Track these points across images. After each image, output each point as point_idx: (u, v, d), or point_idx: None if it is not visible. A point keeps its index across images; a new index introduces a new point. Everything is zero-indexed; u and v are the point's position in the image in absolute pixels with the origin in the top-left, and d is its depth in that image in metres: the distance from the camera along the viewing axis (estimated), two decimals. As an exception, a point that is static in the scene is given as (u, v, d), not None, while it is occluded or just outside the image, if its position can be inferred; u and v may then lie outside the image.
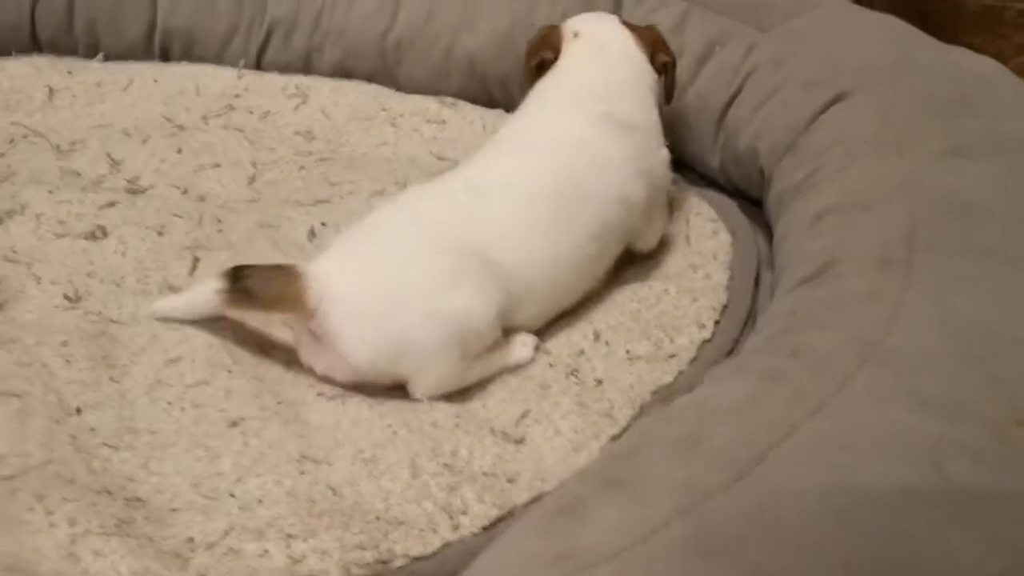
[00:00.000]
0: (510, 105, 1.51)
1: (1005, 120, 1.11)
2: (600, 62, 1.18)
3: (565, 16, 1.44)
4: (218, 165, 1.39)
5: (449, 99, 1.55)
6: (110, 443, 0.89)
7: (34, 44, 1.66)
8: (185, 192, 1.33)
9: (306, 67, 1.62)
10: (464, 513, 0.83)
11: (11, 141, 1.42)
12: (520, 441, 0.92)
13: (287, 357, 1.03)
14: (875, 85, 1.19)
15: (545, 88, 1.19)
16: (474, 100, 1.55)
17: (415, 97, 1.56)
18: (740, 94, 1.34)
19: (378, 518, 0.81)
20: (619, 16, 1.32)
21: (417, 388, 0.95)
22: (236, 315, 0.99)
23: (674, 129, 1.39)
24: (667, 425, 0.71)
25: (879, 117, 1.13)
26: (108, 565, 0.76)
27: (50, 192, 1.27)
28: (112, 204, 1.27)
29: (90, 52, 1.65)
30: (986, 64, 1.22)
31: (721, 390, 0.75)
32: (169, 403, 0.94)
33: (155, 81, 1.59)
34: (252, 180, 1.37)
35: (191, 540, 0.79)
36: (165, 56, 1.66)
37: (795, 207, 1.10)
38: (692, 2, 1.44)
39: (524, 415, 0.95)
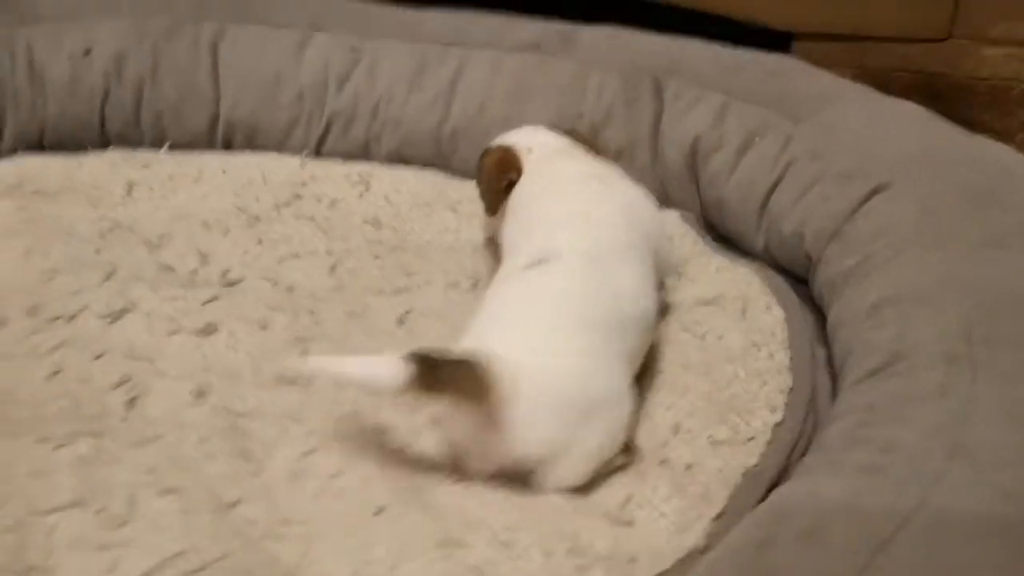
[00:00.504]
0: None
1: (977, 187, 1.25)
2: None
3: (610, 111, 1.59)
4: (297, 255, 1.50)
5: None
6: (271, 535, 0.99)
7: (103, 137, 1.76)
8: (275, 284, 1.43)
9: (365, 154, 1.74)
10: (597, 592, 0.94)
11: (102, 235, 1.51)
12: (630, 524, 1.03)
13: (402, 440, 1.14)
14: (910, 177, 1.32)
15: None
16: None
17: (471, 183, 1.67)
18: (781, 183, 1.47)
19: (523, 599, 0.92)
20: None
21: (562, 478, 1.04)
22: (410, 397, 1.02)
23: (719, 211, 1.53)
24: (786, 519, 0.83)
25: (918, 209, 1.27)
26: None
27: (153, 289, 1.38)
28: (214, 299, 1.37)
29: (156, 143, 1.76)
30: (1006, 153, 1.37)
31: (825, 484, 0.87)
32: (314, 495, 1.04)
33: (223, 172, 1.70)
34: (333, 269, 1.48)
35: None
36: (227, 145, 1.76)
37: (848, 295, 1.23)
38: (729, 95, 1.57)
39: (628, 500, 1.06)
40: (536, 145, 1.37)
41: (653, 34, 1.71)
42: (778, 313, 1.36)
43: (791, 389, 1.21)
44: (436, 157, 1.71)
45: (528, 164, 1.35)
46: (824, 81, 1.60)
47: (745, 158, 1.52)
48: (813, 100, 1.54)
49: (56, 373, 1.22)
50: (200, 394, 1.20)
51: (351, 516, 1.02)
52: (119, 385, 1.21)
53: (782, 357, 1.27)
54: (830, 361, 1.27)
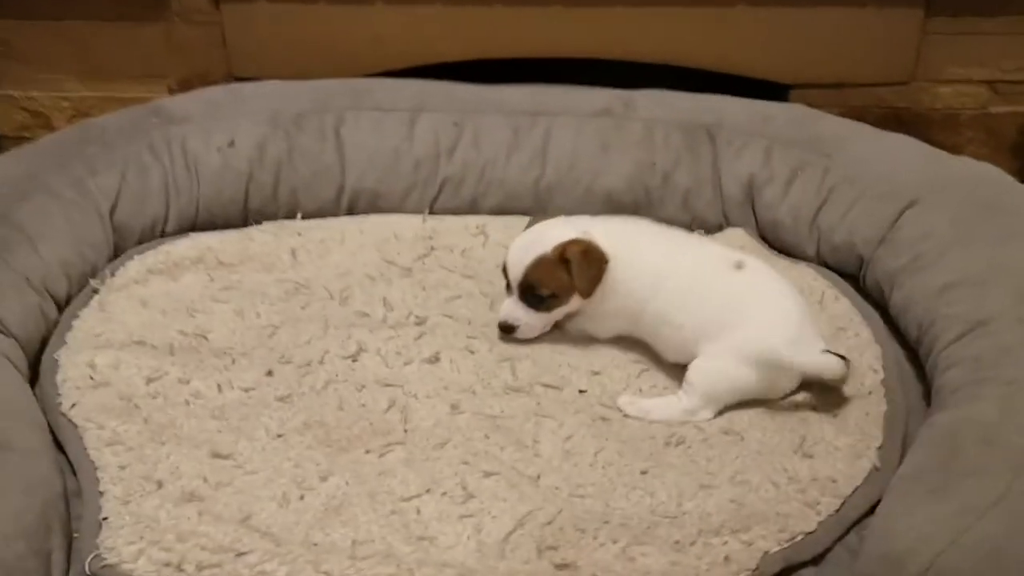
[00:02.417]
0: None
1: (1018, 207, 1.74)
2: None
3: (678, 158, 2.01)
4: (459, 296, 1.85)
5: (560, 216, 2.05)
6: (574, 494, 1.36)
7: (244, 212, 2.06)
8: (453, 318, 1.78)
9: (472, 209, 2.10)
10: (819, 503, 1.36)
11: (289, 295, 1.83)
12: (811, 457, 1.45)
13: (632, 423, 1.53)
14: (933, 195, 1.80)
15: None
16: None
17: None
18: (826, 205, 1.92)
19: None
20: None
21: None
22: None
23: (773, 229, 1.98)
24: (958, 436, 1.27)
25: (947, 219, 1.74)
26: None
27: (371, 332, 1.72)
28: (422, 335, 1.72)
29: (290, 215, 2.07)
30: (992, 170, 1.87)
31: (976, 411, 1.31)
32: (589, 465, 1.42)
33: (361, 232, 2.03)
34: (491, 306, 1.84)
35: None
36: (350, 210, 2.10)
37: (910, 284, 1.68)
38: (770, 140, 2.02)
39: (803, 440, 1.48)
40: (592, 231, 1.65)
41: (692, 94, 2.15)
42: (844, 301, 1.81)
43: (883, 354, 1.66)
44: (534, 207, 2.08)
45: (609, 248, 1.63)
46: (836, 123, 2.07)
47: (793, 187, 1.97)
48: (835, 139, 2.01)
49: (341, 406, 1.54)
50: (455, 406, 1.55)
51: (623, 476, 1.41)
52: (389, 408, 1.55)
53: (867, 334, 1.72)
54: (894, 333, 1.72)
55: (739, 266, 1.60)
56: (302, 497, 1.35)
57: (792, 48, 2.28)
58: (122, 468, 1.37)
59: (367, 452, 1.44)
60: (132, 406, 1.50)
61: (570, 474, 1.41)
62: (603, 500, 1.37)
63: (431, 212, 2.10)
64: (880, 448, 1.45)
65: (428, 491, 1.37)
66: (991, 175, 1.87)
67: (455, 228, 2.06)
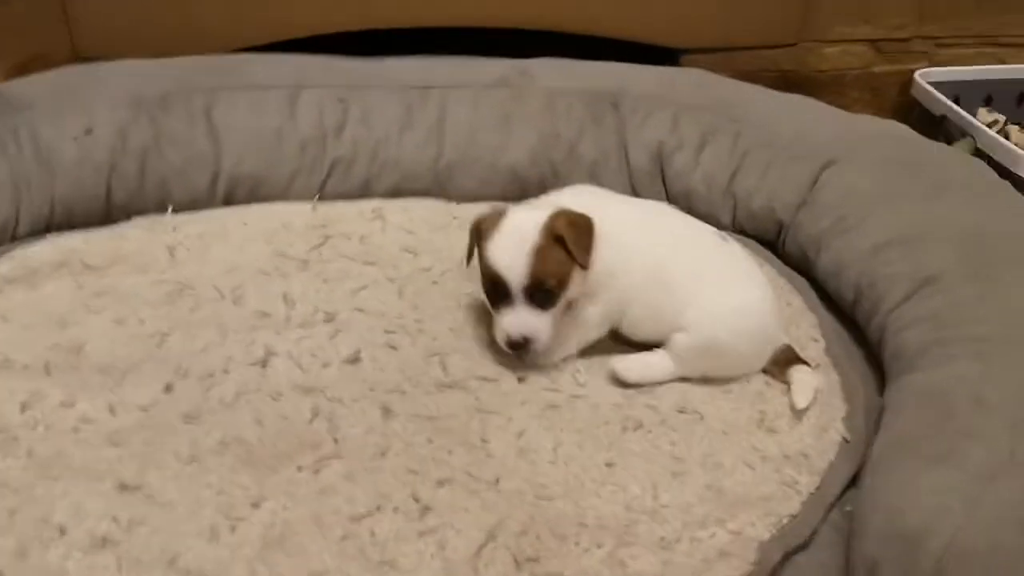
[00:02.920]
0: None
1: (937, 162, 1.73)
2: None
3: (582, 129, 1.91)
4: (365, 287, 1.68)
5: (499, 204, 1.93)
6: (543, 496, 1.24)
7: (108, 208, 1.82)
8: (365, 312, 1.61)
9: (365, 192, 1.93)
10: (798, 482, 1.28)
11: (172, 297, 1.62)
12: (775, 432, 1.38)
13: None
14: (849, 154, 1.76)
15: None
16: (514, 201, 1.95)
17: (470, 204, 1.93)
18: (740, 170, 1.86)
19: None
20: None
21: None
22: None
23: (686, 199, 1.91)
24: (946, 397, 1.22)
25: (868, 178, 1.71)
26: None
27: (278, 333, 1.53)
28: (337, 333, 1.54)
29: (159, 208, 1.85)
30: (899, 127, 1.85)
31: (952, 369, 1.26)
32: (549, 462, 1.30)
33: (245, 224, 1.83)
34: (400, 294, 1.68)
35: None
36: (228, 200, 1.89)
37: (841, 245, 1.63)
38: (677, 106, 1.95)
39: (763, 417, 1.41)
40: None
41: (590, 61, 2.05)
42: (769, 269, 1.76)
43: (818, 322, 1.61)
44: (433, 187, 1.93)
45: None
46: (738, 87, 2.02)
47: (704, 154, 1.90)
48: (741, 103, 1.95)
49: (259, 420, 1.35)
50: (387, 410, 1.39)
51: (589, 471, 1.29)
52: (314, 417, 1.37)
53: (798, 302, 1.67)
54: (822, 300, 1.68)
55: (723, 237, 1.54)
56: (234, 529, 1.17)
57: (680, 12, 2.22)
58: (12, 514, 1.15)
59: (300, 469, 1.27)
60: (10, 438, 1.27)
61: (530, 474, 1.29)
62: (573, 500, 1.25)
63: (321, 198, 1.91)
64: (845, 419, 1.39)
65: (379, 508, 1.21)
66: (901, 132, 1.86)
67: (349, 214, 1.89)
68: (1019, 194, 1.66)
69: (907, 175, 1.69)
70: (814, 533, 1.22)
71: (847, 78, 2.29)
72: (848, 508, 1.27)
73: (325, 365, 1.47)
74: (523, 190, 1.95)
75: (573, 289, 1.41)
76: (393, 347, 1.53)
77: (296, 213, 1.87)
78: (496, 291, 1.40)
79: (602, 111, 1.96)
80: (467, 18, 2.16)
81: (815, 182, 1.77)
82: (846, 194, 1.70)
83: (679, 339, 1.43)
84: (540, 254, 1.37)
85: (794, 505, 1.25)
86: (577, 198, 1.49)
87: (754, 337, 1.45)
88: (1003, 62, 2.36)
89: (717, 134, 1.91)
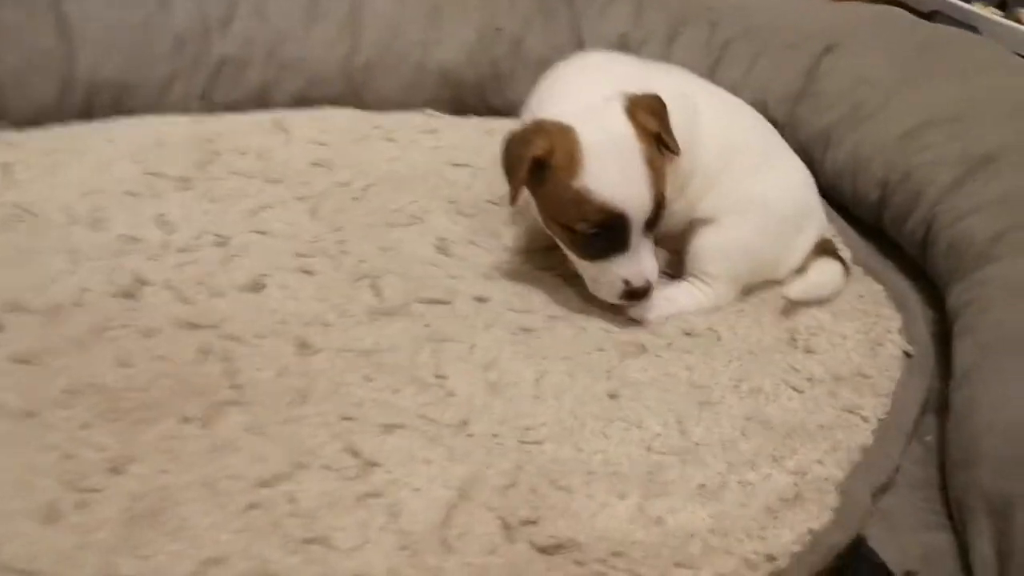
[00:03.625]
0: (482, 111, 1.61)
1: (956, 41, 1.45)
2: None
3: (528, 22, 1.57)
4: (268, 206, 1.32)
5: (428, 111, 1.59)
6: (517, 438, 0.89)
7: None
8: (267, 234, 1.25)
9: (263, 101, 1.55)
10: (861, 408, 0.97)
11: (11, 223, 1.22)
12: (813, 351, 1.07)
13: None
14: (854, 37, 1.47)
15: None
16: (446, 110, 1.60)
17: (395, 113, 1.57)
18: (722, 62, 1.55)
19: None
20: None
21: None
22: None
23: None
24: None
25: (879, 60, 1.41)
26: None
27: (150, 259, 1.15)
28: (232, 257, 1.17)
29: (-9, 122, 1.44)
30: (893, 10, 1.57)
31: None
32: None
33: (109, 141, 1.44)
34: (314, 213, 1.32)
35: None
36: (85, 114, 1.49)
37: (858, 137, 1.34)
38: (641, -7, 1.62)
39: (793, 333, 1.09)
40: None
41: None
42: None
43: (837, 229, 1.31)
44: (346, 93, 1.57)
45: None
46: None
47: (676, 46, 1.58)
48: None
49: (125, 360, 0.97)
50: (304, 345, 1.03)
51: (587, 404, 0.95)
52: (205, 357, 1.00)
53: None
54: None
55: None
56: (83, 505, 0.78)
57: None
58: None
59: (185, 421, 0.89)
60: None
61: (509, 414, 0.94)
62: (572, 443, 0.90)
63: (205, 108, 1.53)
64: (902, 330, 1.08)
65: (301, 466, 0.85)
66: (901, 15, 1.57)
67: (243, 126, 1.51)
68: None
69: (926, 56, 1.40)
70: (897, 469, 0.90)
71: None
72: (928, 438, 0.96)
73: (216, 295, 1.10)
74: (457, 96, 1.61)
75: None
76: (308, 271, 1.17)
77: (173, 127, 1.48)
78: (608, 233, 1.01)
79: (552, 2, 1.62)
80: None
81: (815, 70, 1.47)
82: (857, 80, 1.41)
83: (712, 232, 1.10)
84: (654, 166, 1.00)
85: (863, 435, 0.94)
86: (604, 72, 1.13)
87: (793, 216, 1.14)
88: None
89: (689, 23, 1.59)
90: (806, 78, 1.47)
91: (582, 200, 0.99)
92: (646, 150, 1.00)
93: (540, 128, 1.01)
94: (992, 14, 1.88)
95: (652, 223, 1.01)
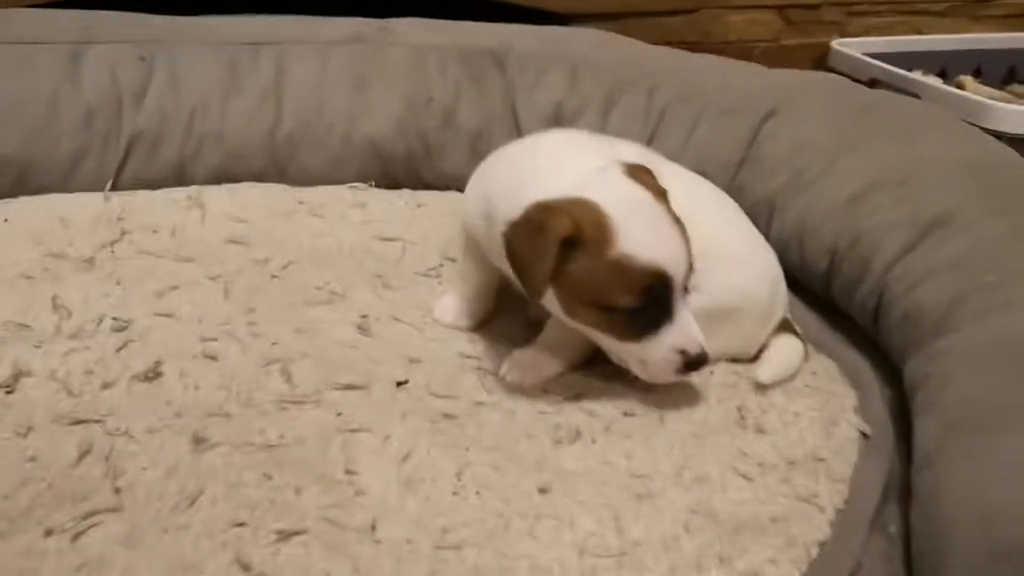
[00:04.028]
0: (413, 184, 1.53)
1: (897, 106, 1.40)
2: None
3: (459, 91, 1.51)
4: (176, 287, 1.22)
5: (358, 184, 1.51)
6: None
7: None
8: (175, 318, 1.14)
9: (181, 178, 1.46)
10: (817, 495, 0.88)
11: None
12: (764, 431, 0.98)
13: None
14: (791, 102, 1.42)
15: None
16: (376, 184, 1.52)
17: (323, 188, 1.49)
18: (659, 130, 1.49)
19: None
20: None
21: None
22: None
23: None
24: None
25: (821, 124, 1.36)
26: None
27: (36, 347, 1.04)
28: (127, 343, 1.07)
29: None
30: (828, 76, 1.53)
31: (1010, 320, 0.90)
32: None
33: (4, 221, 1.34)
34: (227, 294, 1.22)
35: None
36: (-16, 194, 1.39)
37: (803, 203, 1.27)
38: (574, 62, 1.57)
39: (741, 411, 1.01)
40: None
41: (464, 21, 1.66)
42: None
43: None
44: (269, 167, 1.49)
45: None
46: (641, 46, 1.65)
47: (613, 115, 1.52)
48: (649, 59, 1.59)
49: (-10, 460, 0.86)
50: (199, 440, 0.92)
51: (514, 502, 0.85)
52: (82, 456, 0.90)
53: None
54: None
55: None
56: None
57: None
58: None
59: (47, 534, 0.78)
60: None
61: (425, 514, 0.83)
62: (494, 547, 0.80)
63: (117, 186, 1.44)
64: (857, 408, 1.00)
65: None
66: (839, 80, 1.54)
67: (156, 203, 1.42)
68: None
69: (868, 119, 1.35)
70: (860, 566, 0.81)
71: (756, 51, 1.98)
72: (892, 529, 0.86)
73: (106, 385, 0.99)
74: (387, 169, 1.53)
75: None
76: (212, 357, 1.06)
77: (81, 206, 1.39)
78: (653, 303, 0.92)
79: (484, 70, 1.56)
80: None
81: (756, 136, 1.41)
82: (798, 146, 1.35)
83: (693, 297, 1.00)
84: (678, 222, 0.94)
85: (820, 527, 0.84)
86: (578, 146, 1.06)
87: (768, 303, 1.08)
88: (919, 31, 2.09)
89: (626, 90, 1.53)
90: (747, 145, 1.41)
91: (623, 269, 0.90)
92: (667, 207, 0.94)
93: (551, 208, 0.92)
94: (933, 81, 1.86)
95: (687, 283, 0.94)
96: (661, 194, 0.95)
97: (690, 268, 0.94)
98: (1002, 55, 2.01)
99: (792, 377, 1.05)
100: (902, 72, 1.78)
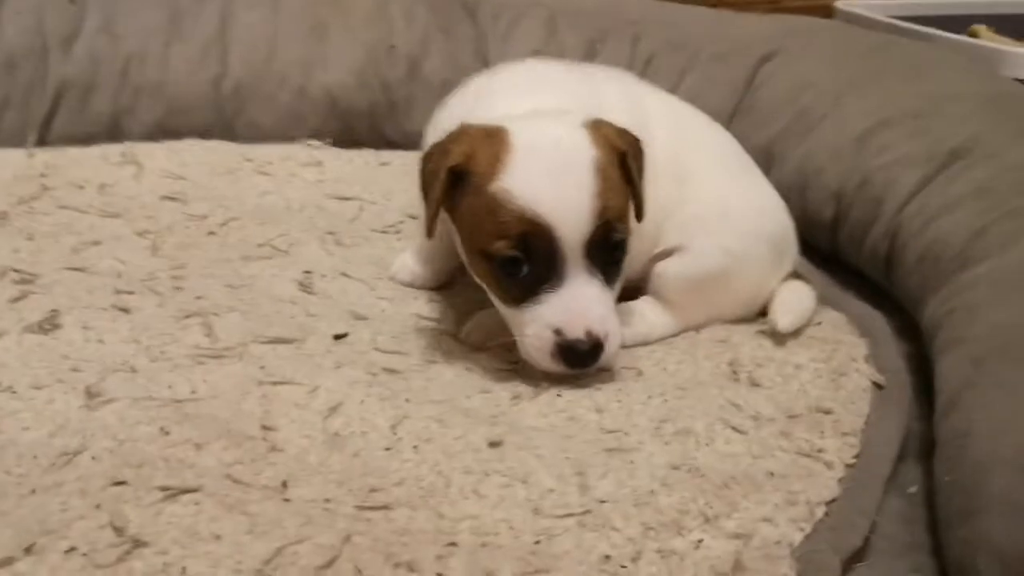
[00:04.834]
0: (377, 143, 1.39)
1: (901, 46, 1.27)
2: None
3: (426, 40, 1.38)
4: (98, 242, 1.09)
5: (314, 142, 1.37)
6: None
7: None
8: (89, 272, 1.01)
9: (114, 133, 1.33)
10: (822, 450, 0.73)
11: None
12: (758, 385, 0.84)
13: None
14: (786, 46, 1.29)
15: None
16: (334, 143, 1.39)
17: (273, 145, 1.35)
18: (646, 77, 1.35)
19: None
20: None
21: None
22: None
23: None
24: None
25: (822, 66, 1.23)
26: None
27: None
28: (25, 295, 0.93)
29: None
30: (827, 21, 1.42)
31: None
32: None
33: (-84, 176, 1.20)
34: (155, 250, 1.08)
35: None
36: None
37: (807, 147, 1.14)
38: (551, 8, 1.44)
39: (733, 364, 0.87)
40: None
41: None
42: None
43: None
44: (215, 123, 1.35)
45: None
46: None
47: (596, 62, 1.38)
48: (633, 8, 1.47)
49: None
50: (93, 394, 0.78)
51: (458, 456, 0.70)
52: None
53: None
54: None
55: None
56: None
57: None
58: None
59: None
60: None
61: (351, 471, 0.69)
62: (430, 507, 0.65)
63: (42, 142, 1.30)
64: (869, 357, 0.86)
65: (33, 550, 0.59)
66: (839, 25, 1.41)
67: (87, 159, 1.29)
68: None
69: (875, 58, 1.23)
70: (873, 529, 0.66)
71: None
72: (912, 490, 0.72)
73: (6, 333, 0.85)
74: (346, 126, 1.40)
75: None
76: (124, 309, 0.92)
77: (3, 163, 1.25)
78: (530, 257, 0.77)
79: (453, 17, 1.44)
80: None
81: (751, 82, 1.28)
82: (799, 87, 1.22)
83: (678, 261, 0.89)
84: (605, 176, 0.78)
85: (827, 485, 0.69)
86: (546, 78, 0.93)
87: (769, 261, 0.94)
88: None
89: (609, 38, 1.41)
90: (742, 92, 1.28)
91: (499, 206, 0.76)
92: (600, 159, 0.78)
93: (462, 133, 0.79)
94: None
95: (598, 250, 0.77)
96: (614, 149, 0.79)
97: (603, 229, 0.77)
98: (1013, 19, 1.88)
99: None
100: (913, 25, 1.65)
